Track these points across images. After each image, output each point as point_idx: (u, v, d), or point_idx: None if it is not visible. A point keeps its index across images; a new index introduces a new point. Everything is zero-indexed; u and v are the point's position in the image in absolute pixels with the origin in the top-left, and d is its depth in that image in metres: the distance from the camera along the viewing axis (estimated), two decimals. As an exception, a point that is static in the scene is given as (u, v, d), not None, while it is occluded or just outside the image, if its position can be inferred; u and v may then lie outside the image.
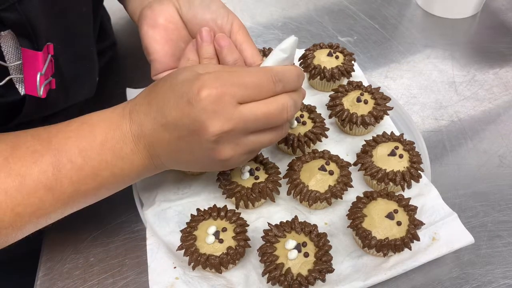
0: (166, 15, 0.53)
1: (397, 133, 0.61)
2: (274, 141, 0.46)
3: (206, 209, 0.52)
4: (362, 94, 0.61)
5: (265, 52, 0.68)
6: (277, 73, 0.44)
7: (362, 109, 0.61)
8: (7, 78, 0.46)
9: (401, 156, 0.56)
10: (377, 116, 0.60)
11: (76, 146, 0.44)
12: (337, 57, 0.67)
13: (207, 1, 0.53)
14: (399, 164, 0.55)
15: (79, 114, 0.63)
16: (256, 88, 0.43)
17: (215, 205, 0.53)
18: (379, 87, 0.63)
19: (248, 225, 0.51)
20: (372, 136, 0.59)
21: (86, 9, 0.55)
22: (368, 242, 0.49)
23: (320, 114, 0.61)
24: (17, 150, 0.44)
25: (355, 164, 0.57)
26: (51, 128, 0.46)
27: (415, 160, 0.55)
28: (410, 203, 0.52)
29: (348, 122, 0.60)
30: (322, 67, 0.66)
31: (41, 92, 0.47)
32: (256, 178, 0.54)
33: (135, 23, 0.57)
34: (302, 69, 0.46)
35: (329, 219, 0.55)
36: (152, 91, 0.46)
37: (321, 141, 0.60)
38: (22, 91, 0.48)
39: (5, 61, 0.45)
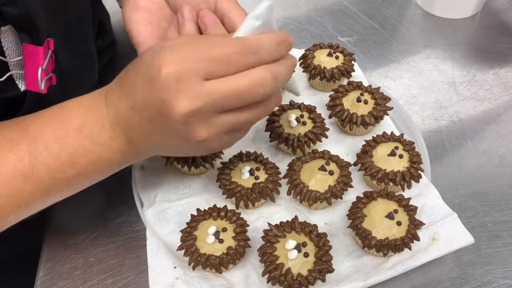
0: None
1: (397, 133, 0.61)
2: (257, 119, 0.43)
3: (206, 209, 0.52)
4: (362, 94, 0.61)
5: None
6: (249, 44, 0.39)
7: (362, 109, 0.61)
8: (8, 74, 0.46)
9: (401, 156, 0.56)
10: (377, 116, 0.60)
11: (52, 133, 0.43)
12: (337, 57, 0.67)
13: None
14: (399, 164, 0.55)
15: None
16: (223, 61, 0.39)
17: (215, 205, 0.53)
18: (379, 87, 0.63)
19: (248, 225, 0.51)
20: (372, 136, 0.59)
21: (84, 5, 0.54)
22: (368, 242, 0.49)
23: (320, 114, 0.61)
24: None
25: (355, 164, 0.57)
26: (29, 116, 0.46)
27: (415, 160, 0.55)
28: (410, 203, 0.52)
29: (348, 122, 0.60)
30: (322, 67, 0.66)
31: (43, 86, 0.46)
32: (256, 178, 0.54)
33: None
34: (288, 35, 0.41)
35: (329, 219, 0.55)
36: (124, 73, 0.45)
37: (321, 141, 0.60)
38: (22, 87, 0.47)
39: (5, 57, 0.45)
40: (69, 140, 0.43)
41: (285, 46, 0.42)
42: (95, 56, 0.60)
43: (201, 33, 0.49)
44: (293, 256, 0.47)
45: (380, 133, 0.59)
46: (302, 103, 0.62)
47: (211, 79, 0.39)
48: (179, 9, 0.49)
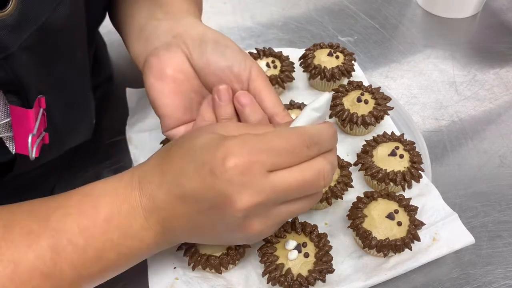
0: (174, 64, 0.47)
1: (397, 133, 0.61)
2: (307, 209, 0.42)
3: (206, 209, 0.52)
4: (362, 94, 0.61)
5: (265, 53, 0.67)
6: (311, 135, 0.38)
7: (363, 109, 0.61)
8: None
9: (401, 156, 0.56)
10: (377, 116, 0.60)
11: (77, 224, 0.39)
12: (337, 57, 0.67)
13: (221, 47, 0.47)
14: (399, 164, 0.55)
15: (72, 157, 0.58)
16: (289, 153, 0.37)
17: (215, 205, 0.52)
18: (379, 87, 0.63)
19: (248, 225, 0.51)
20: (373, 136, 0.58)
21: (81, 54, 0.49)
22: (369, 243, 0.49)
23: (320, 114, 0.61)
24: (10, 230, 0.39)
25: (355, 164, 0.57)
26: (49, 202, 0.42)
27: (415, 160, 0.55)
28: (410, 203, 0.51)
29: (348, 122, 0.60)
30: (323, 67, 0.66)
31: (34, 154, 0.42)
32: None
33: (139, 69, 0.51)
34: (335, 126, 0.41)
35: (330, 219, 0.55)
36: (166, 158, 0.41)
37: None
38: (13, 150, 0.43)
39: None
40: (96, 232, 0.40)
41: (336, 137, 0.41)
42: (92, 101, 0.55)
43: (237, 113, 0.47)
44: (293, 256, 0.47)
45: (381, 133, 0.59)
46: (302, 103, 0.62)
47: (275, 170, 0.37)
48: (214, 89, 0.47)
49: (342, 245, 0.52)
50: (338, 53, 0.67)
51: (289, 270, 0.47)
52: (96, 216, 0.40)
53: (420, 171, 0.55)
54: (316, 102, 0.40)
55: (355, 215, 0.51)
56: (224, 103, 0.46)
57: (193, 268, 0.49)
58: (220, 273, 0.49)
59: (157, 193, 0.40)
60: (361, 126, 0.60)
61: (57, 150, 0.50)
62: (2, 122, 0.42)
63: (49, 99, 0.44)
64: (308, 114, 0.40)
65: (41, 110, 0.43)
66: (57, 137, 0.47)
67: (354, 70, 0.67)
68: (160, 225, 0.41)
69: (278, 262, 0.47)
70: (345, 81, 0.67)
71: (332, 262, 0.47)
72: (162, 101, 0.47)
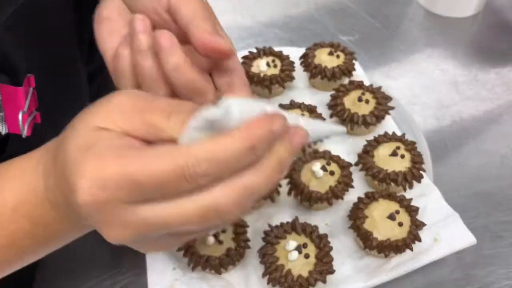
0: (110, 7, 0.45)
1: (398, 133, 0.61)
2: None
3: (206, 209, 0.52)
4: (363, 94, 0.61)
5: (265, 52, 0.67)
6: (196, 162, 0.27)
7: (363, 109, 0.60)
8: None
9: (402, 156, 0.55)
10: (378, 116, 0.60)
11: None
12: (338, 56, 0.67)
13: None
14: (400, 165, 0.55)
15: None
16: (158, 187, 0.28)
17: (215, 205, 0.52)
18: (380, 87, 0.63)
19: (248, 226, 0.51)
20: (374, 136, 0.58)
21: (69, 36, 0.49)
22: (370, 243, 0.48)
23: (321, 114, 0.61)
24: None
25: (356, 164, 0.57)
26: None
27: (416, 160, 0.55)
28: (411, 204, 0.51)
29: (349, 122, 0.60)
30: (323, 66, 0.65)
31: (25, 131, 0.42)
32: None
33: None
34: (280, 114, 0.29)
35: (330, 220, 0.54)
36: (58, 148, 0.34)
37: (321, 141, 0.60)
38: (3, 130, 0.43)
39: None
40: (5, 221, 0.36)
41: (266, 143, 0.29)
42: (85, 83, 0.55)
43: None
44: (293, 257, 0.47)
45: (382, 133, 0.58)
46: (303, 102, 0.62)
47: (142, 202, 0.29)
48: (130, 20, 0.41)
49: (342, 246, 0.52)
50: (338, 52, 0.67)
51: (289, 271, 0.46)
52: (3, 205, 0.36)
53: (421, 171, 0.55)
54: (196, 119, 0.28)
55: (356, 215, 0.50)
56: (140, 33, 0.39)
57: (193, 269, 0.49)
58: (220, 274, 0.49)
59: (55, 190, 0.34)
60: (362, 126, 0.60)
61: (52, 134, 0.49)
62: None
63: (39, 78, 0.44)
64: (191, 136, 0.29)
65: (31, 89, 0.43)
66: (50, 118, 0.47)
67: (354, 70, 0.67)
68: (69, 218, 0.35)
69: (279, 263, 0.47)
70: (345, 81, 0.66)
71: (332, 263, 0.47)
72: (101, 44, 0.43)
